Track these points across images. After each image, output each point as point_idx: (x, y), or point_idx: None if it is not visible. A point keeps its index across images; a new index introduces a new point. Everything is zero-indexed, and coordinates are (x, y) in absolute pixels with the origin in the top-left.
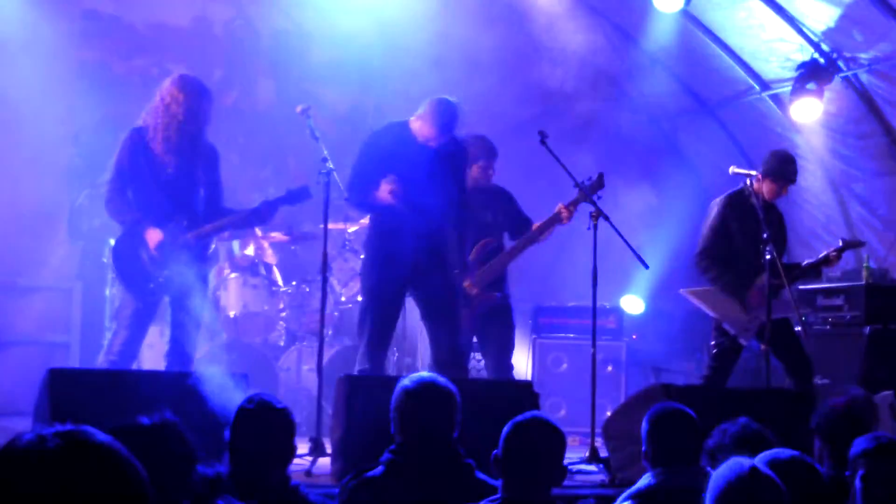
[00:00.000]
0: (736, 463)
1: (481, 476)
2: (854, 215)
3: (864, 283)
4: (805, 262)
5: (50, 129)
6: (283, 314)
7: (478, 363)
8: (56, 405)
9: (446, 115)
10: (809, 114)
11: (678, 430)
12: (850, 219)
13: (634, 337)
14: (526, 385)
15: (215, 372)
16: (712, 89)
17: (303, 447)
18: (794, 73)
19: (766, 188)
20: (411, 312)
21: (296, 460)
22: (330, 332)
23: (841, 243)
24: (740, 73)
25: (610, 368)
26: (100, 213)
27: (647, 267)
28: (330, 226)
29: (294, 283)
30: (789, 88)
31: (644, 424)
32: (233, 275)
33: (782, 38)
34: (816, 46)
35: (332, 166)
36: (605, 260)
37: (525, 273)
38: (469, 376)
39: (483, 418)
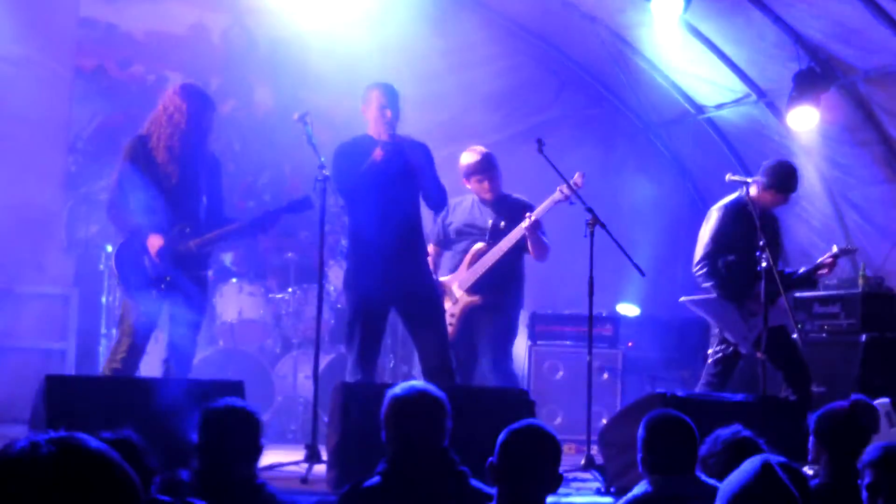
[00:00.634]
0: (749, 464)
1: (476, 484)
2: (850, 223)
3: (860, 291)
4: (801, 270)
5: (47, 136)
6: (279, 321)
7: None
8: (52, 412)
9: (387, 94)
10: (806, 122)
11: (675, 437)
12: (846, 227)
13: (630, 345)
14: (522, 392)
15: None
16: (708, 96)
17: (298, 454)
18: (790, 82)
19: (767, 197)
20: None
21: (292, 467)
22: (326, 339)
23: (835, 250)
24: (736, 80)
25: (606, 376)
26: (97, 219)
27: (643, 274)
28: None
29: (290, 289)
30: (786, 96)
31: (640, 431)
32: (232, 280)
33: (779, 46)
34: (813, 55)
35: (328, 174)
36: (601, 267)
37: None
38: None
39: (479, 425)
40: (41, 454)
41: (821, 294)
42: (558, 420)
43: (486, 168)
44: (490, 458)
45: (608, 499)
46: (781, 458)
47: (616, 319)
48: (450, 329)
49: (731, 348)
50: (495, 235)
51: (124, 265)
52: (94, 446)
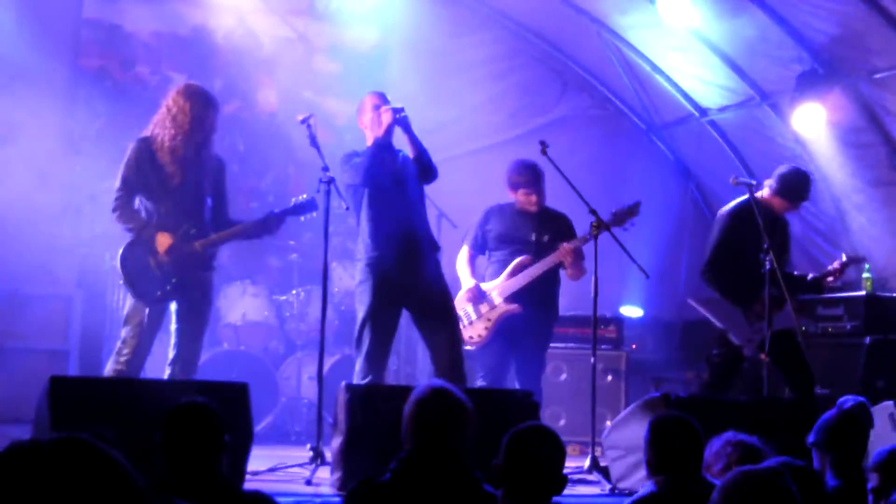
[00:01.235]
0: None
1: (489, 489)
2: (854, 225)
3: (863, 293)
4: (809, 276)
5: (51, 137)
6: (284, 323)
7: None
8: (57, 413)
9: (379, 95)
10: (809, 124)
11: (680, 438)
12: (849, 229)
13: (634, 347)
14: (526, 394)
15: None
16: (711, 98)
17: (303, 456)
18: (793, 84)
19: (776, 203)
20: (410, 321)
21: (296, 469)
22: (330, 341)
23: (844, 258)
24: (739, 82)
25: (610, 378)
26: (101, 220)
27: (647, 276)
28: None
29: (294, 291)
30: (789, 98)
31: (646, 432)
32: (236, 282)
33: (782, 47)
34: (816, 56)
35: (332, 175)
36: (605, 269)
37: None
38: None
39: (483, 427)
40: (44, 455)
41: (824, 296)
42: (562, 422)
43: (535, 181)
44: (495, 460)
45: (613, 500)
46: (800, 462)
47: (620, 321)
48: (483, 333)
49: (734, 350)
50: (539, 249)
51: (130, 266)
52: (98, 448)
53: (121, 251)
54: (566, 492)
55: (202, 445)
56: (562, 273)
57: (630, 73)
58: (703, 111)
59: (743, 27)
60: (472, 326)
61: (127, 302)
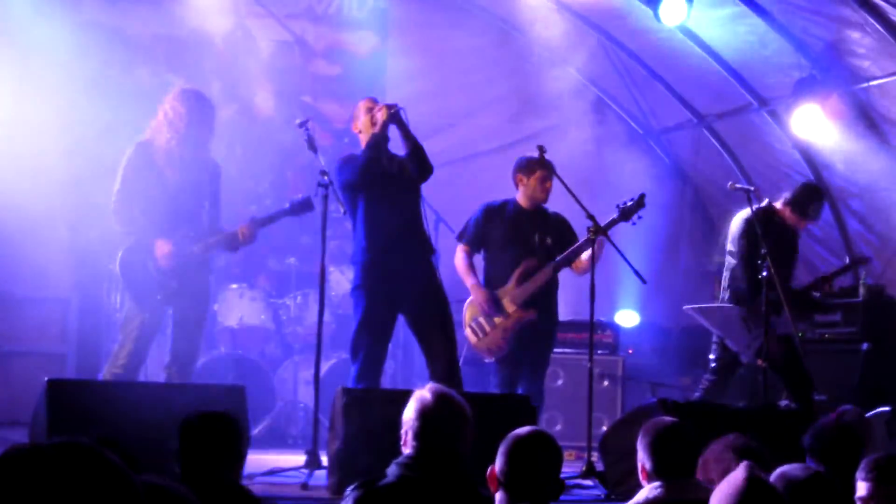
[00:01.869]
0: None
1: (485, 493)
2: (851, 231)
3: (861, 299)
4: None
5: (49, 140)
6: (281, 326)
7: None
8: (54, 416)
9: (373, 99)
10: (807, 129)
11: (675, 442)
12: (847, 235)
13: (631, 352)
14: (523, 399)
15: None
16: (710, 104)
17: (299, 460)
18: (791, 90)
19: (787, 213)
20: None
21: (292, 473)
22: (327, 345)
23: (849, 260)
24: (738, 88)
25: (606, 383)
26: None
27: (644, 282)
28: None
29: (291, 295)
30: (787, 104)
31: (641, 437)
32: (233, 286)
33: (780, 54)
34: (815, 63)
35: (330, 179)
36: (602, 274)
37: None
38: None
39: (480, 432)
40: (43, 459)
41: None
42: (558, 427)
43: (552, 168)
44: (491, 465)
45: None
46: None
47: (616, 326)
48: (502, 344)
49: (731, 356)
50: (542, 252)
51: (129, 270)
52: (97, 451)
53: (120, 255)
54: (562, 497)
55: (222, 455)
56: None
57: (629, 79)
58: (702, 117)
59: (741, 33)
60: (489, 338)
61: (125, 306)
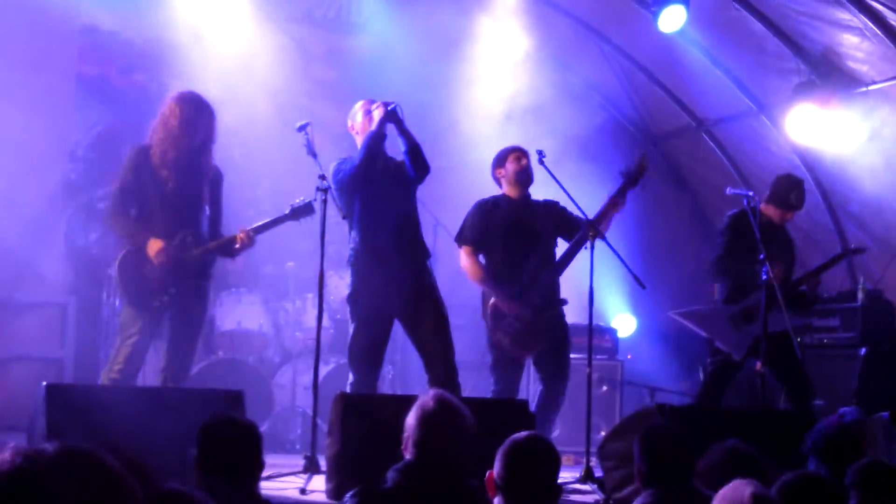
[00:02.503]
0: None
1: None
2: (849, 235)
3: (859, 304)
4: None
5: (47, 144)
6: (279, 331)
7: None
8: (52, 420)
9: (370, 100)
10: (805, 134)
11: (671, 449)
12: (845, 239)
13: (630, 357)
14: (522, 404)
15: None
16: (709, 109)
17: (297, 465)
18: (791, 94)
19: (771, 211)
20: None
21: (290, 478)
22: (325, 349)
23: (842, 250)
24: (737, 92)
25: (605, 388)
26: (96, 227)
27: (643, 286)
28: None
29: (290, 299)
30: (786, 109)
31: (636, 443)
32: (231, 290)
33: (780, 58)
34: (814, 67)
35: (329, 184)
36: (601, 279)
37: None
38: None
39: (479, 437)
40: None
41: (820, 307)
42: (557, 432)
43: (519, 147)
44: (490, 470)
45: None
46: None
47: (615, 331)
48: (535, 339)
49: (726, 359)
50: (546, 239)
51: (126, 275)
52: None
53: (118, 260)
54: (560, 502)
55: (242, 464)
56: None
57: (628, 84)
58: (701, 121)
59: (741, 38)
60: (520, 337)
61: (123, 311)
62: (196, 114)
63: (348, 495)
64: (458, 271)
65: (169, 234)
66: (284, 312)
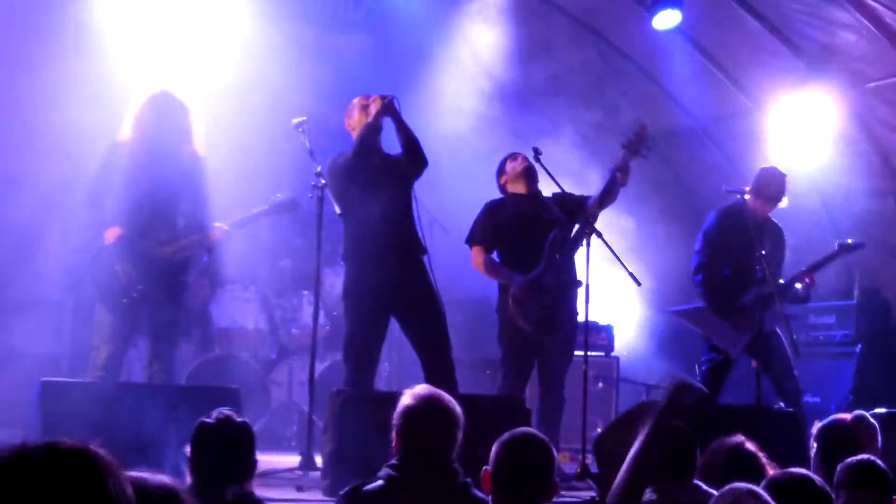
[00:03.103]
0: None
1: (478, 494)
2: (846, 235)
3: (855, 302)
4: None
5: (41, 141)
6: (275, 328)
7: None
8: (49, 417)
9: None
10: (802, 133)
11: (672, 446)
12: (842, 238)
13: (626, 353)
14: (517, 401)
15: None
16: (707, 107)
17: (294, 461)
18: (787, 93)
19: (757, 205)
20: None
21: (287, 474)
22: (321, 346)
23: (837, 247)
24: (734, 91)
25: (601, 385)
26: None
27: (639, 284)
28: None
29: (286, 296)
30: (783, 108)
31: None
32: (228, 287)
33: (776, 56)
34: (810, 66)
35: (325, 181)
36: (596, 276)
37: None
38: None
39: (475, 434)
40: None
41: (816, 305)
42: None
43: (514, 152)
44: (485, 467)
45: None
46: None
47: (611, 328)
48: (556, 323)
49: (721, 356)
50: (558, 227)
51: (98, 272)
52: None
53: (92, 257)
54: (555, 499)
55: (236, 463)
56: None
57: (624, 82)
58: (697, 120)
59: (737, 36)
60: (544, 323)
61: (97, 308)
62: (169, 114)
63: (341, 494)
64: (454, 268)
65: (143, 232)
66: (281, 309)
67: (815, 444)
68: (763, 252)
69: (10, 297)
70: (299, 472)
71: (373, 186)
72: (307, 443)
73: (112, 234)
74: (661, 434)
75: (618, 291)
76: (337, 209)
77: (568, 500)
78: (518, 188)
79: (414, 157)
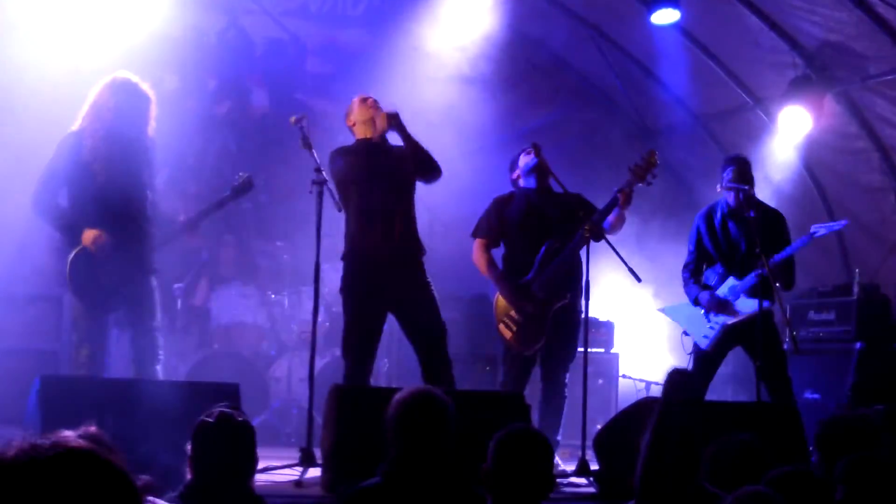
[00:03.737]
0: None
1: (476, 490)
2: (845, 230)
3: (855, 298)
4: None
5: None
6: (274, 324)
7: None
8: (47, 412)
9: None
10: (801, 129)
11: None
12: (841, 234)
13: (626, 350)
14: (516, 397)
15: None
16: (706, 103)
17: (293, 457)
18: (786, 89)
19: (728, 197)
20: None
21: (286, 470)
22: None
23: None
24: (733, 87)
25: (601, 381)
26: None
27: (639, 280)
28: None
29: (285, 292)
30: (782, 103)
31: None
32: (227, 283)
33: (775, 53)
34: (810, 62)
35: (325, 177)
36: (597, 272)
37: None
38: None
39: (473, 430)
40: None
41: (816, 301)
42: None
43: (530, 147)
44: (484, 463)
45: None
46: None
47: (611, 324)
48: (537, 334)
49: (700, 350)
50: (561, 231)
51: (75, 270)
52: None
53: (70, 260)
54: (554, 495)
55: (237, 461)
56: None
57: (624, 78)
58: (697, 115)
59: (736, 32)
60: (523, 330)
61: (74, 307)
62: (130, 104)
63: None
64: (453, 266)
65: (106, 226)
66: (280, 305)
67: (815, 441)
68: (759, 250)
69: (9, 292)
70: (299, 468)
71: (374, 184)
72: (307, 439)
73: (89, 238)
74: (664, 435)
75: (618, 288)
76: (337, 205)
77: (567, 496)
78: (528, 183)
79: (426, 169)
